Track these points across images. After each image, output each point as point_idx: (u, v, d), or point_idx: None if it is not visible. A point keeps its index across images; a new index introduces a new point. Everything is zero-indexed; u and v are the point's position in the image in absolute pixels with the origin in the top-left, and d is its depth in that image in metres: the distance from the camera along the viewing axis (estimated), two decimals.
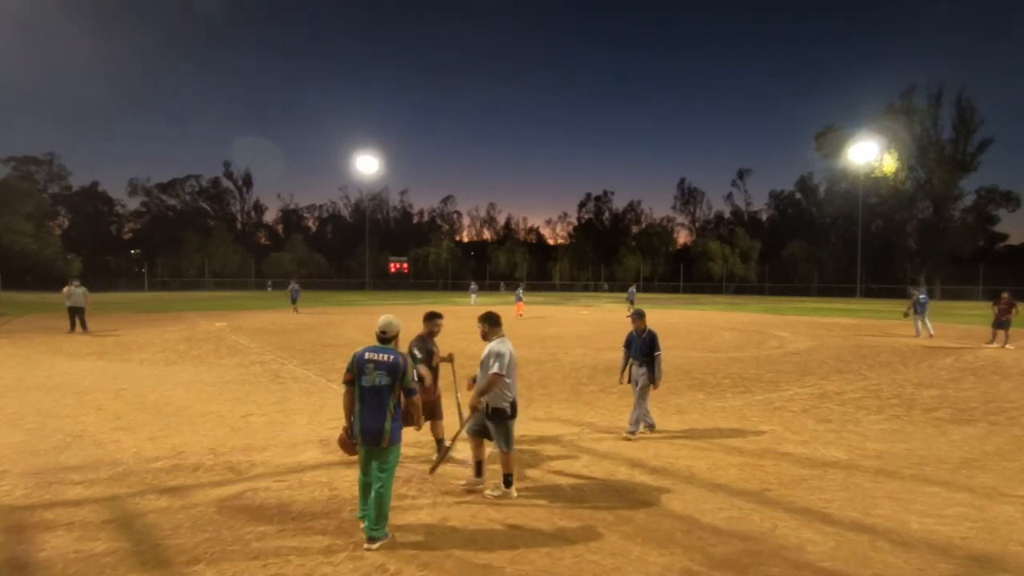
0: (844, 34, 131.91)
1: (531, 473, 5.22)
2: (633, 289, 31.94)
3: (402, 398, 3.86)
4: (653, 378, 6.33)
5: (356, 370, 3.78)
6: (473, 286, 40.23)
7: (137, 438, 6.26)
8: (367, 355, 3.79)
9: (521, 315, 25.65)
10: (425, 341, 5.42)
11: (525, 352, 13.56)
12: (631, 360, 6.58)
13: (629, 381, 6.64)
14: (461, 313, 28.26)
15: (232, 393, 8.72)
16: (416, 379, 4.15)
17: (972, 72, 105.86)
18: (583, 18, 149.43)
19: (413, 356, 5.20)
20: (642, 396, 6.35)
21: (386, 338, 3.91)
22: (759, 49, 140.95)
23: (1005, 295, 15.56)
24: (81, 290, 17.46)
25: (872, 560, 3.60)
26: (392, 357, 3.77)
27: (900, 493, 4.78)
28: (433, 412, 5.39)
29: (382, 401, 3.72)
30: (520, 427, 6.84)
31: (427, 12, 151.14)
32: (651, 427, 6.59)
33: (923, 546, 3.81)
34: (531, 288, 69.31)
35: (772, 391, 9.19)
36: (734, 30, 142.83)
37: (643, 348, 6.42)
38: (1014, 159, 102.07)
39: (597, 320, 24.33)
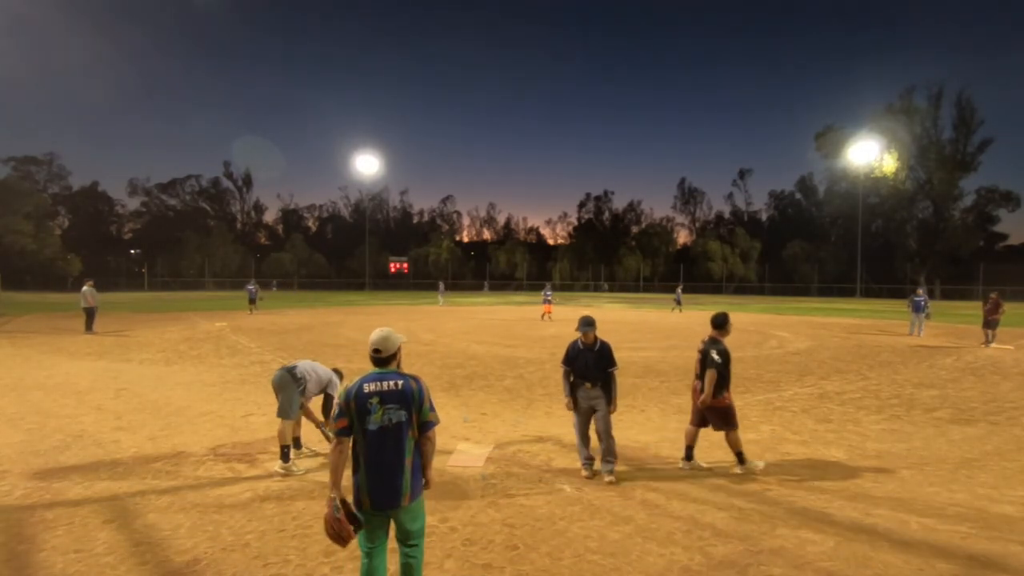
0: (844, 34, 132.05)
1: (531, 473, 5.22)
2: (679, 290, 31.91)
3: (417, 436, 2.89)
4: (611, 400, 5.05)
5: (356, 411, 2.74)
6: (441, 287, 40.33)
7: (137, 438, 6.27)
8: (366, 387, 2.77)
9: (549, 317, 23.40)
10: (720, 343, 5.29)
11: (525, 352, 13.56)
12: (578, 381, 5.15)
13: (575, 407, 5.19)
14: (436, 313, 28.27)
15: (232, 393, 8.72)
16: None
17: (972, 72, 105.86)
18: (583, 18, 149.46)
19: (711, 360, 5.14)
20: (604, 425, 5.02)
21: (383, 358, 2.90)
22: (759, 49, 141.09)
23: (993, 295, 15.96)
24: (94, 290, 17.85)
25: (872, 560, 3.60)
26: (401, 383, 2.80)
27: (900, 493, 4.78)
28: (728, 420, 5.24)
29: (398, 445, 2.75)
30: (520, 427, 6.85)
31: (427, 12, 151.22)
32: (589, 463, 5.15)
33: (923, 546, 3.80)
34: (531, 288, 69.28)
35: (772, 391, 9.19)
36: (734, 30, 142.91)
37: (595, 364, 5.05)
38: (1014, 159, 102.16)
39: (598, 320, 24.29)
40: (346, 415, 2.76)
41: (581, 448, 5.20)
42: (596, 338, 5.18)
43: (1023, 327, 21.18)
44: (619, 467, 5.36)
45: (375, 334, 2.93)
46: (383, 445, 2.74)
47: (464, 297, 50.38)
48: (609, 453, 5.03)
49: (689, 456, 5.41)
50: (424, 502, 2.96)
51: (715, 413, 5.28)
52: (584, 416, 5.16)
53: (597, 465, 5.15)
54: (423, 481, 2.88)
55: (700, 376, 5.35)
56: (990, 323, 15.58)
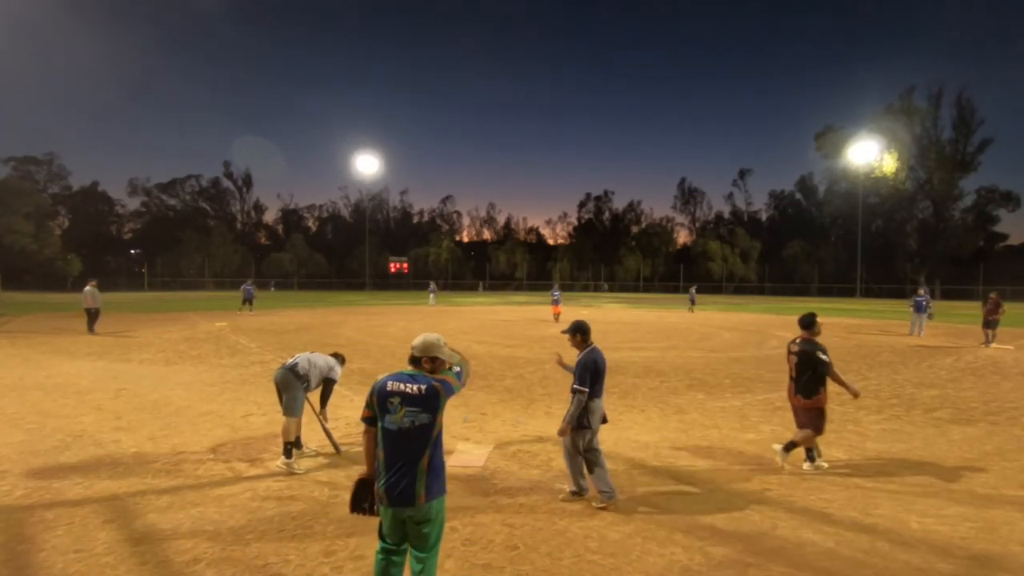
0: (844, 34, 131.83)
1: (531, 473, 5.22)
2: (693, 290, 31.53)
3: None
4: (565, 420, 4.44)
5: (378, 406, 2.78)
6: (431, 286, 39.20)
7: (137, 438, 6.27)
8: (389, 385, 2.78)
9: (556, 318, 22.48)
10: (818, 343, 5.45)
11: (525, 352, 13.57)
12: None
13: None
14: (436, 313, 28.28)
15: (232, 393, 8.72)
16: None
17: (972, 72, 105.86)
18: (583, 18, 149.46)
19: (822, 361, 5.29)
20: (564, 445, 4.60)
21: (415, 358, 2.93)
22: (759, 49, 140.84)
23: (993, 295, 15.99)
24: (97, 291, 17.91)
25: (872, 560, 3.60)
26: (424, 387, 2.75)
27: (900, 493, 4.78)
28: (815, 421, 5.35)
29: (417, 447, 2.72)
30: (521, 427, 6.86)
31: (427, 11, 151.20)
32: (577, 492, 4.57)
33: (923, 546, 3.81)
34: (531, 288, 69.28)
35: (772, 391, 9.18)
36: (734, 30, 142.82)
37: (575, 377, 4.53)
38: (1014, 159, 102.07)
39: (598, 320, 24.32)
40: (370, 407, 2.83)
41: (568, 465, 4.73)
42: (582, 345, 4.58)
43: (1023, 327, 21.18)
44: (618, 467, 5.36)
45: (420, 336, 2.97)
46: (400, 446, 2.73)
47: (459, 297, 50.29)
48: (574, 476, 4.56)
49: (811, 457, 5.47)
50: (444, 509, 2.84)
51: (807, 412, 5.40)
52: None
53: (589, 486, 4.60)
54: (442, 487, 2.80)
55: (795, 379, 5.48)
56: (990, 323, 15.61)
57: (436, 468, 2.77)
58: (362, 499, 2.88)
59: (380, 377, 2.87)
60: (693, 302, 30.60)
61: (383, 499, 2.73)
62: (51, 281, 56.01)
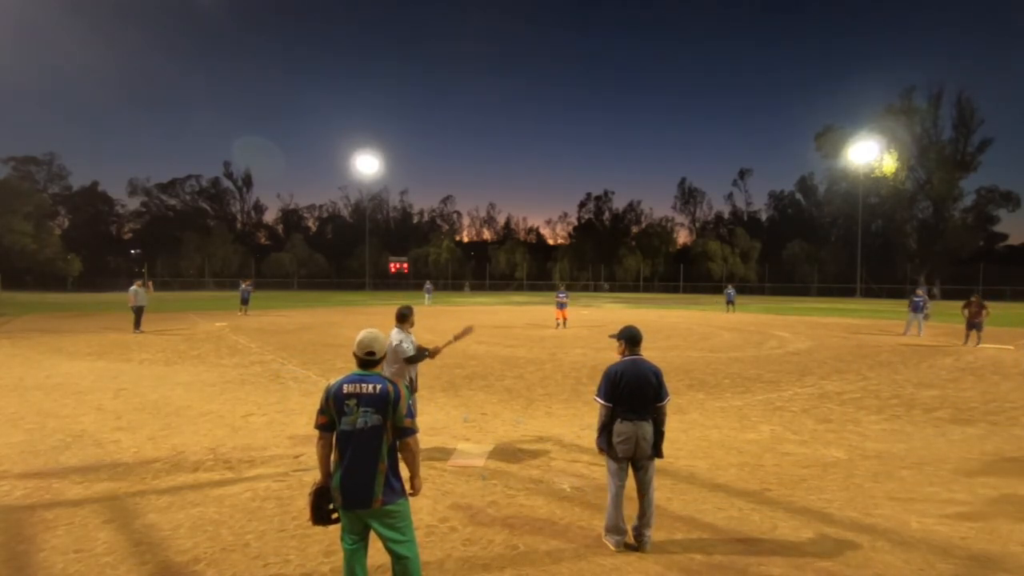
0: (844, 34, 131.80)
1: (531, 473, 5.22)
2: (732, 290, 30.40)
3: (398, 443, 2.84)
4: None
5: (334, 409, 2.78)
6: (428, 285, 39.60)
7: (137, 438, 6.27)
8: (345, 387, 2.79)
9: (562, 324, 19.64)
10: None
11: (525, 352, 13.56)
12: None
13: None
14: (436, 313, 28.27)
15: (232, 393, 8.72)
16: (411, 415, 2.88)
17: (972, 72, 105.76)
18: (583, 17, 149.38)
19: None
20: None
21: (372, 360, 2.90)
22: (759, 49, 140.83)
23: (974, 297, 16.19)
24: (142, 289, 18.32)
25: (872, 560, 3.60)
26: (379, 387, 2.77)
27: (900, 493, 4.78)
28: None
29: (372, 448, 2.74)
30: (521, 427, 6.85)
31: (427, 11, 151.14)
32: (638, 537, 3.78)
33: (923, 546, 3.81)
34: (532, 288, 69.25)
35: (772, 391, 9.19)
36: (734, 30, 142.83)
37: None
38: (1014, 159, 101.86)
39: (597, 321, 24.33)
40: (326, 413, 2.82)
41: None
42: (624, 354, 4.01)
43: (1023, 327, 21.18)
44: None
45: (365, 335, 2.91)
46: (356, 447, 2.75)
47: (449, 297, 50.18)
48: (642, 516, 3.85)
49: None
50: (407, 509, 2.87)
51: None
52: None
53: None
54: (403, 487, 2.84)
55: None
56: (974, 324, 15.77)
57: (393, 474, 2.80)
58: (322, 508, 2.87)
59: (333, 381, 2.87)
60: (731, 302, 29.68)
61: (337, 500, 2.77)
62: (51, 281, 56.01)
